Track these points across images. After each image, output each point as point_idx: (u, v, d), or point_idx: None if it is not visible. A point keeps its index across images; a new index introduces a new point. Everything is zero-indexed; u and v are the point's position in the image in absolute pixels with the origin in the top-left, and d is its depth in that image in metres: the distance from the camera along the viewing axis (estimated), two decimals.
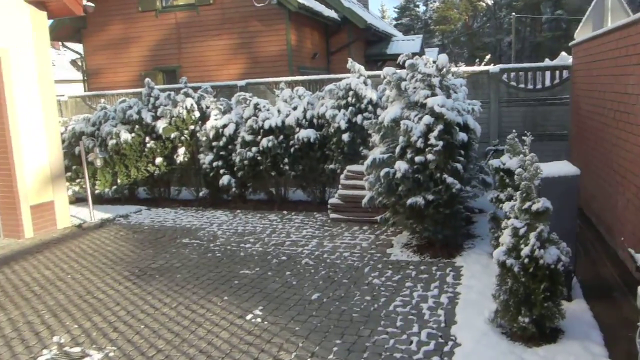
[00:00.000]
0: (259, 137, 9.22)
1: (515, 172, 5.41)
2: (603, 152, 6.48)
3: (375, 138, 6.97)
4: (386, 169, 6.39)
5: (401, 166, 6.23)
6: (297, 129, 9.07)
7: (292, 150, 9.13)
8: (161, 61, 16.56)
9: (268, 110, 9.42)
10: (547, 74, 9.86)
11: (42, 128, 8.85)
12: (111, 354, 4.46)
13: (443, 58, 6.49)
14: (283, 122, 9.13)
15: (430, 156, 6.08)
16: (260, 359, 4.25)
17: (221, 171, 9.64)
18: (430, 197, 6.19)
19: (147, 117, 10.31)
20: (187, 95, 10.25)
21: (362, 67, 8.97)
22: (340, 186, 8.57)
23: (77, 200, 11.03)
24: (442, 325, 4.63)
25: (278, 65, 15.18)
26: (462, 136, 6.23)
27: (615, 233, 5.85)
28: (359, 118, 8.62)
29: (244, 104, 9.71)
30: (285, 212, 9.38)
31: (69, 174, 10.62)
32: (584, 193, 7.20)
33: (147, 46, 16.69)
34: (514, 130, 6.05)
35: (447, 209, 6.27)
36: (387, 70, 6.94)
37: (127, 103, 10.66)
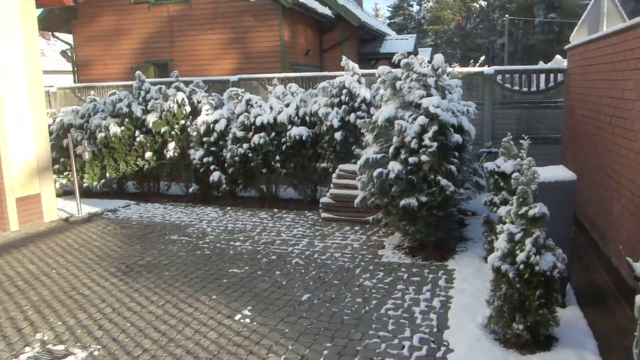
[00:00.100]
0: (251, 133, 9.15)
1: (511, 176, 5.41)
2: (598, 157, 6.44)
3: (369, 137, 6.90)
4: (379, 169, 6.32)
5: (395, 167, 6.16)
6: (290, 126, 8.99)
7: (283, 147, 9.06)
8: (153, 54, 16.41)
9: (260, 106, 9.34)
10: (542, 76, 9.85)
11: (30, 119, 8.72)
12: (95, 353, 4.38)
13: (439, 58, 6.43)
14: (275, 119, 9.05)
15: (424, 157, 6.02)
16: None
17: (212, 167, 9.58)
18: (423, 198, 6.12)
19: (137, 110, 10.22)
20: (178, 89, 10.16)
21: (356, 65, 8.90)
22: (332, 185, 8.50)
23: (65, 193, 10.93)
24: (435, 329, 4.57)
25: (271, 61, 15.08)
26: (457, 138, 6.17)
27: (609, 239, 5.82)
28: (352, 117, 8.57)
29: (236, 100, 9.63)
30: (276, 210, 9.30)
31: (56, 166, 10.55)
32: (577, 198, 7.14)
33: (138, 38, 16.53)
34: (509, 133, 6.00)
35: (440, 211, 6.21)
36: (382, 69, 6.87)
37: (117, 96, 10.56)
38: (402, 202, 6.20)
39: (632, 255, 4.33)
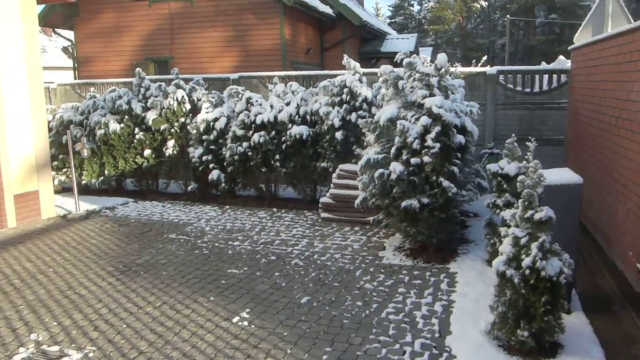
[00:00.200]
0: (251, 132, 9.07)
1: (517, 179, 5.32)
2: (602, 159, 6.35)
3: (370, 137, 6.81)
4: (381, 170, 6.24)
5: (396, 167, 6.07)
6: (290, 125, 8.91)
7: (283, 146, 8.99)
8: (153, 51, 16.35)
9: (260, 105, 9.26)
10: (545, 77, 9.75)
11: (29, 115, 8.69)
12: (91, 355, 4.29)
13: (442, 58, 6.33)
14: (275, 117, 8.97)
15: (426, 158, 5.93)
16: None
17: (211, 165, 9.52)
18: (425, 200, 6.03)
19: (137, 107, 10.18)
20: (178, 86, 10.10)
21: (358, 64, 8.83)
22: (332, 185, 8.42)
23: (64, 190, 10.90)
24: (437, 335, 4.48)
25: (271, 59, 15.00)
26: (460, 139, 6.08)
27: (614, 242, 5.73)
28: (353, 116, 8.49)
29: (236, 98, 9.56)
30: (275, 209, 9.22)
31: (55, 163, 10.53)
32: None
33: (139, 36, 16.48)
34: (513, 135, 5.91)
35: (442, 212, 6.12)
36: (384, 68, 6.77)
37: (117, 93, 10.53)
38: (404, 204, 6.11)
39: (638, 258, 4.25)
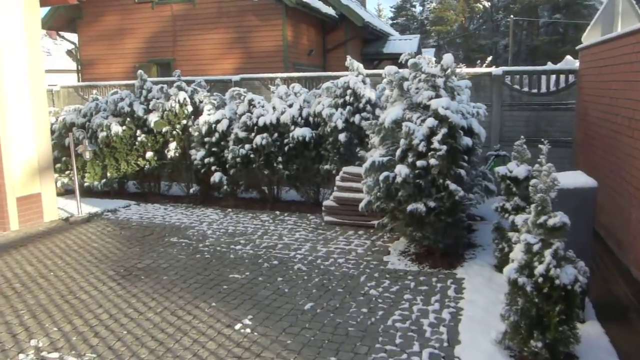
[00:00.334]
0: (253, 134, 8.98)
1: (526, 182, 5.19)
2: (614, 161, 6.19)
3: (375, 140, 6.69)
4: (386, 173, 6.11)
5: (402, 170, 5.94)
6: (292, 127, 8.82)
7: (286, 148, 8.89)
8: (156, 54, 16.32)
9: (263, 106, 9.17)
10: (552, 77, 9.59)
11: (31, 118, 8.68)
12: None
13: (448, 58, 6.20)
14: (278, 119, 8.88)
15: (432, 161, 5.80)
16: None
17: (213, 168, 9.45)
18: (431, 204, 5.90)
19: (139, 109, 10.15)
20: (180, 88, 10.04)
21: (361, 65, 8.72)
22: (335, 188, 8.30)
23: (67, 192, 10.89)
24: (445, 344, 4.34)
25: (273, 61, 14.92)
26: (467, 141, 5.96)
27: (628, 248, 5.56)
28: (356, 118, 8.38)
29: (238, 100, 9.46)
30: (277, 212, 9.12)
31: (58, 165, 10.54)
32: None
33: (142, 38, 16.45)
34: (522, 137, 5.76)
35: (449, 216, 5.98)
36: (389, 69, 6.67)
37: (119, 95, 10.52)
38: (409, 207, 5.98)
39: None
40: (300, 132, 8.69)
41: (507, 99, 9.68)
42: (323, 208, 8.32)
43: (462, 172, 5.96)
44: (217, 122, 9.34)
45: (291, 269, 6.23)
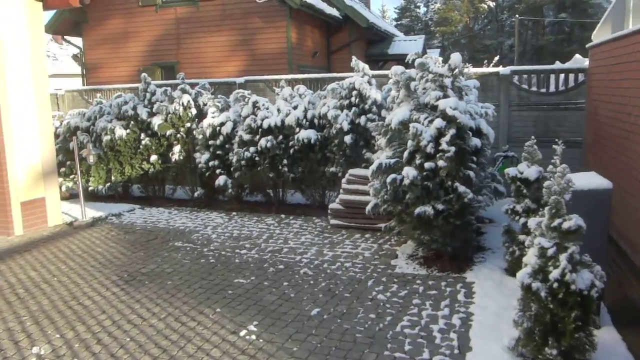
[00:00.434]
0: (258, 136, 8.89)
1: (537, 184, 5.07)
2: (626, 161, 6.05)
3: (381, 141, 6.58)
4: (393, 175, 5.99)
5: (409, 172, 5.82)
6: (297, 129, 8.72)
7: (291, 151, 8.79)
8: (160, 57, 16.28)
9: (267, 109, 9.07)
10: (561, 77, 9.44)
11: (35, 123, 8.63)
12: None
13: (456, 57, 6.08)
14: (283, 121, 8.78)
15: (441, 162, 5.68)
16: None
17: (217, 171, 9.38)
18: (440, 206, 5.78)
19: (143, 113, 10.09)
20: (184, 91, 9.97)
21: (367, 66, 8.61)
22: (341, 190, 8.19)
23: (71, 196, 10.85)
24: (456, 351, 4.21)
25: (278, 62, 14.85)
26: (476, 142, 5.84)
27: None
28: (362, 119, 8.27)
29: (242, 102, 9.39)
30: (283, 215, 9.02)
31: (63, 169, 10.49)
32: None
33: (146, 41, 16.43)
34: (533, 137, 5.63)
35: (457, 219, 5.86)
36: (395, 69, 6.56)
37: (123, 98, 10.47)
38: (417, 210, 5.87)
39: None
40: (306, 134, 8.59)
41: (515, 99, 9.54)
42: (329, 211, 8.21)
43: (471, 173, 5.84)
44: (222, 124, 9.26)
45: (297, 274, 6.12)
